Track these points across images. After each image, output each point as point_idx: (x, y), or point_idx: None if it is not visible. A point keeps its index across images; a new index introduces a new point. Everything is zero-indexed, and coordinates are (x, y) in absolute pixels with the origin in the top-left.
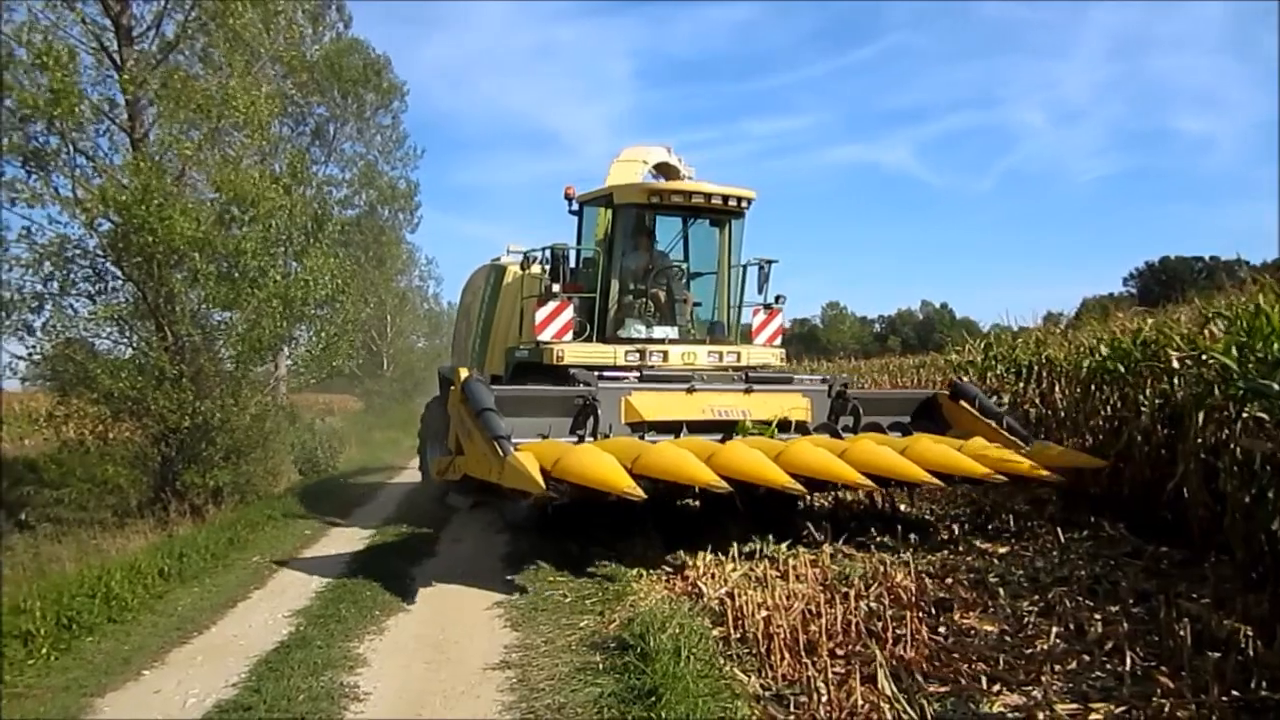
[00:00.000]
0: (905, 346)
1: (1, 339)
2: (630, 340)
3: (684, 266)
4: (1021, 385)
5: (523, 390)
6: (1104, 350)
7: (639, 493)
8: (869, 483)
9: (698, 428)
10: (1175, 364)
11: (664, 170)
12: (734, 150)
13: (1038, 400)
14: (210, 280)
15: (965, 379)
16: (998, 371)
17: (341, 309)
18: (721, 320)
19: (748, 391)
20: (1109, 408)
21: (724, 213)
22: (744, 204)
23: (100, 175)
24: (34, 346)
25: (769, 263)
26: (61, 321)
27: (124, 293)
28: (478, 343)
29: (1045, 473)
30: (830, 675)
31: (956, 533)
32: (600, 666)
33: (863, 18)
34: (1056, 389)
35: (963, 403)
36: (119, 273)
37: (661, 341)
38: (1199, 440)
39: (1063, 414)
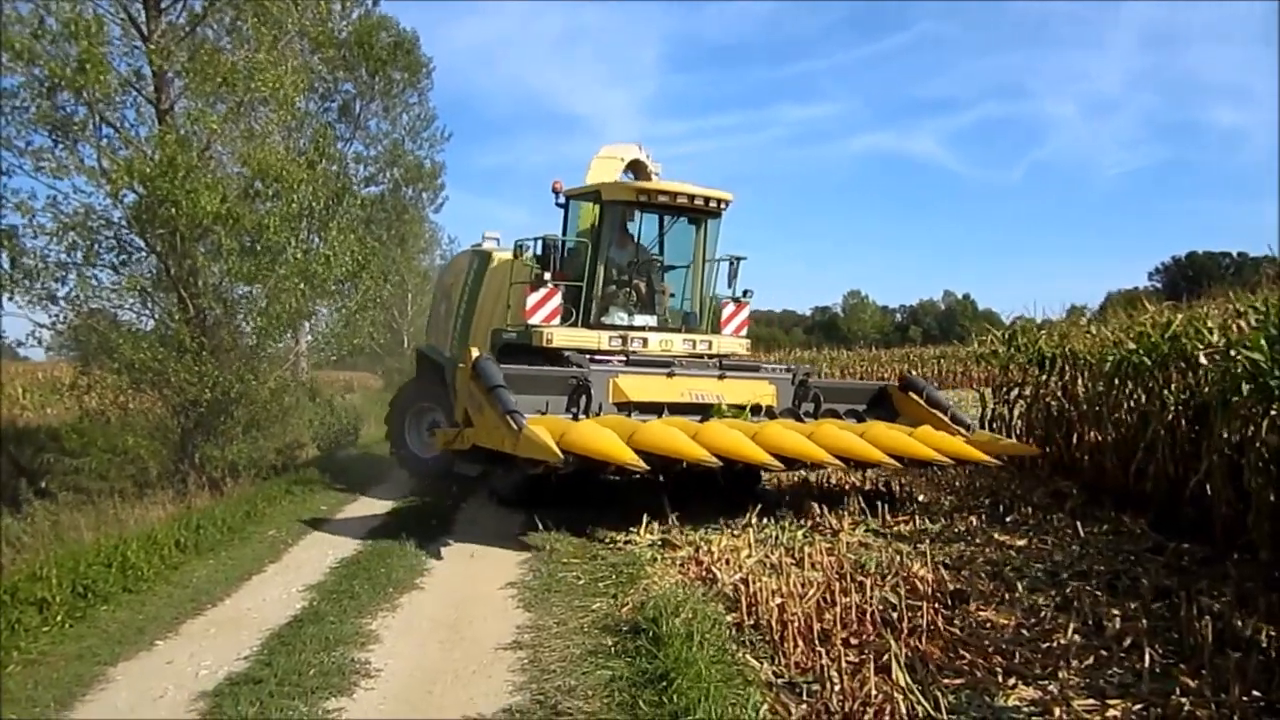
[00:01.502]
0: (927, 337)
1: (26, 307)
2: (613, 327)
3: (661, 260)
4: (1044, 377)
5: (526, 370)
6: (1130, 344)
7: (642, 465)
8: (836, 461)
9: (677, 409)
10: (1203, 359)
11: (635, 167)
12: (761, 137)
13: (1059, 393)
14: (233, 254)
15: (981, 369)
16: (1020, 362)
17: (362, 286)
18: (694, 311)
19: (721, 378)
20: (1132, 401)
21: (703, 212)
22: (722, 205)
23: (126, 147)
24: (57, 316)
25: (738, 259)
26: (85, 291)
27: (147, 264)
28: (459, 324)
29: (985, 457)
30: (844, 665)
31: (974, 524)
32: (612, 650)
33: (893, 5)
34: (1079, 381)
35: (911, 394)
36: (142, 244)
37: (642, 329)
38: (1224, 436)
39: (1084, 407)
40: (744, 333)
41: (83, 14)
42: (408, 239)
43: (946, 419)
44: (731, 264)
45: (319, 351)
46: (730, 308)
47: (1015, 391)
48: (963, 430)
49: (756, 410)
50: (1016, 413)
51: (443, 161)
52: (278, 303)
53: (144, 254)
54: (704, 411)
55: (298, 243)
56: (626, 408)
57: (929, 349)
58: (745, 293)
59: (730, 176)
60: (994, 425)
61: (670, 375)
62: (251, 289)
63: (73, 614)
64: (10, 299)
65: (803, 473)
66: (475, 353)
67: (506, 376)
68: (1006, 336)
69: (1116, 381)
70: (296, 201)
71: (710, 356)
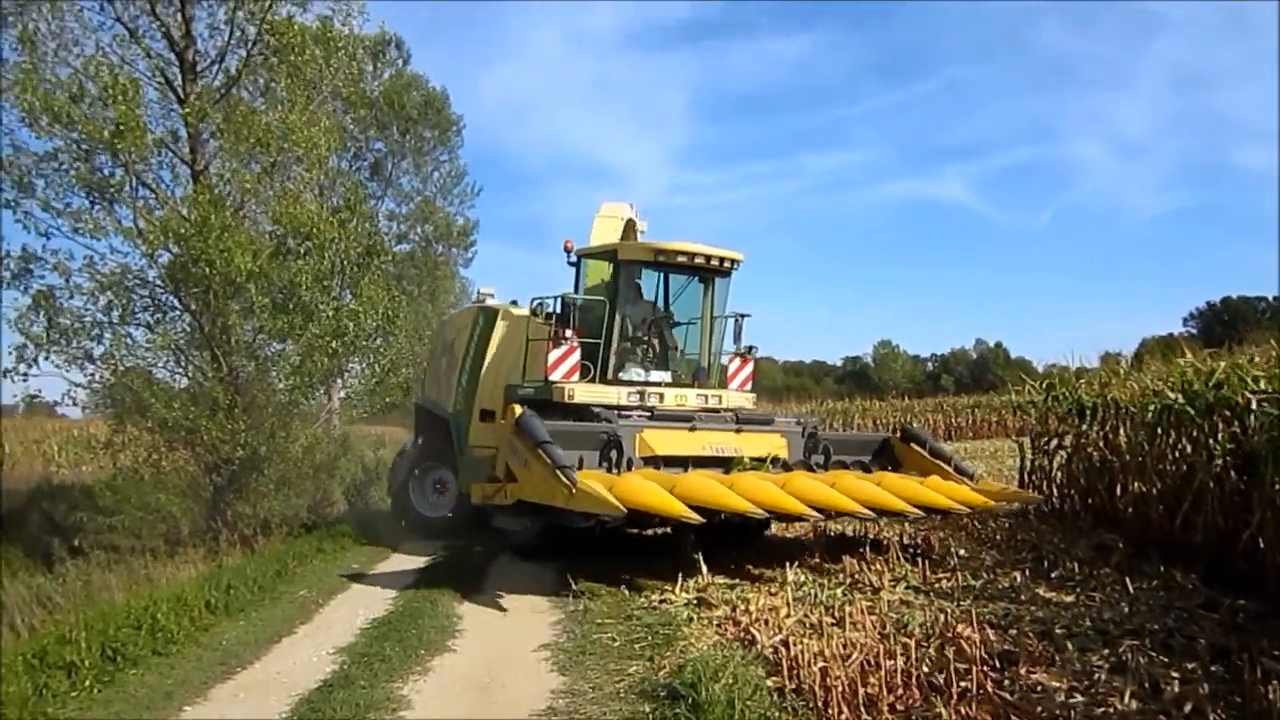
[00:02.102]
0: (959, 386)
1: (62, 366)
2: (630, 382)
3: (671, 316)
4: (1084, 427)
5: (561, 425)
6: (1171, 393)
7: (695, 517)
8: (865, 511)
9: (700, 462)
10: (1253, 405)
11: (627, 225)
12: (789, 184)
13: (1101, 443)
14: (265, 312)
15: (1020, 417)
16: (1059, 412)
17: (395, 342)
18: (703, 365)
19: (738, 431)
20: (1177, 451)
21: (715, 271)
22: (733, 265)
23: (162, 207)
24: (92, 374)
25: (743, 316)
26: (120, 350)
27: (181, 323)
28: (464, 378)
29: (994, 503)
30: None
31: (1018, 580)
32: (650, 717)
33: (919, 52)
34: (1121, 431)
35: (913, 445)
36: (177, 303)
37: (658, 384)
38: (1275, 486)
39: (1127, 457)
40: (749, 387)
41: (120, 79)
42: (439, 294)
43: (950, 469)
44: (736, 321)
45: (351, 408)
46: (736, 363)
47: (1055, 442)
48: (968, 480)
49: (775, 462)
50: (1056, 463)
51: (475, 220)
52: (310, 360)
53: (178, 312)
54: (725, 464)
55: (329, 300)
56: (653, 461)
57: (963, 398)
58: (750, 348)
59: (759, 225)
60: (1033, 477)
61: (692, 429)
62: (284, 346)
63: (101, 678)
64: (47, 358)
65: (823, 524)
66: (519, 409)
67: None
68: (1045, 386)
69: (1160, 431)
70: (328, 258)
71: (720, 410)
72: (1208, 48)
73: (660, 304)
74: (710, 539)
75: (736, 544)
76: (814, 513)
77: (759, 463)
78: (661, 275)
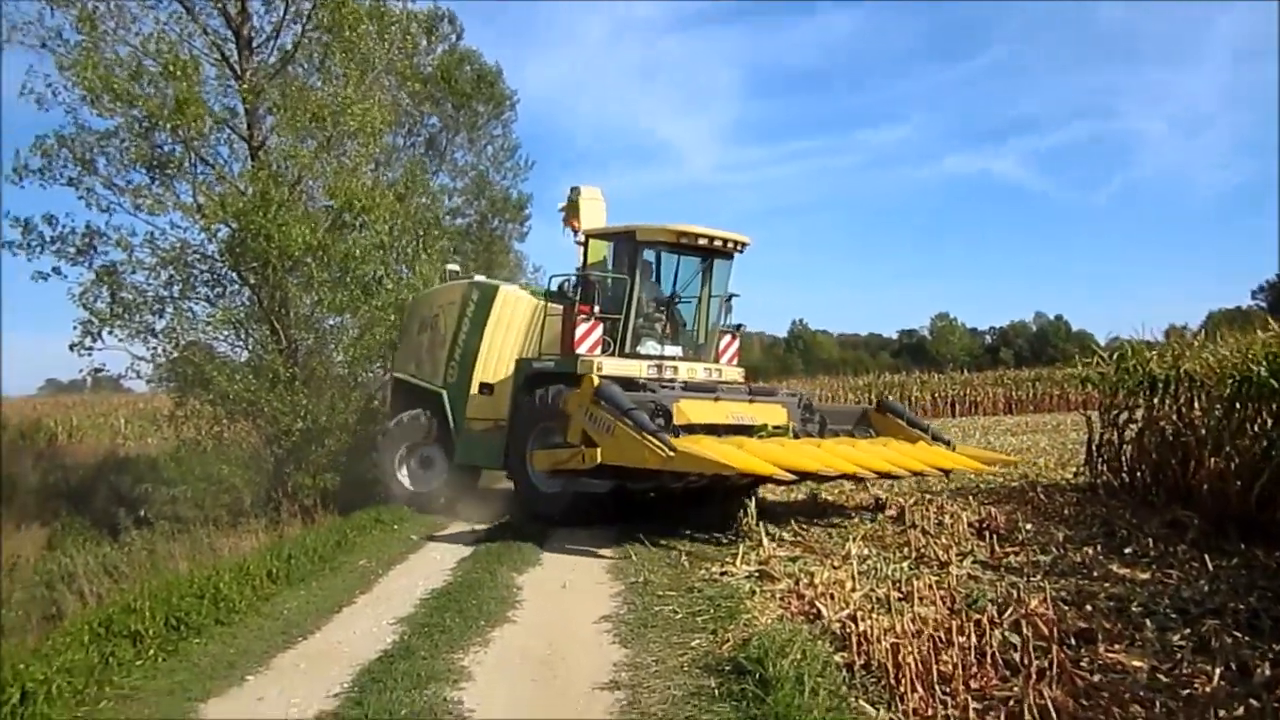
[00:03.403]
0: (1018, 359)
1: (125, 340)
2: (648, 357)
3: (679, 295)
4: (1156, 400)
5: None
6: (1252, 366)
7: (789, 476)
8: (902, 470)
9: (725, 430)
10: None
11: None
12: (842, 160)
13: (1174, 417)
14: (325, 286)
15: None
16: (1130, 386)
17: None
18: (703, 342)
19: (751, 401)
20: (1255, 426)
21: (722, 253)
22: (740, 247)
23: (220, 183)
24: (155, 348)
25: (732, 296)
26: (181, 324)
27: (241, 297)
28: (457, 353)
29: (980, 465)
30: (970, 714)
31: (1090, 555)
32: (716, 692)
33: (977, 26)
34: (1196, 405)
35: (889, 415)
36: (236, 278)
37: (673, 359)
38: None
39: (1203, 431)
40: (736, 362)
41: (180, 55)
42: (494, 268)
43: (927, 437)
44: (723, 301)
45: None
46: (726, 339)
47: (1124, 416)
48: (945, 446)
49: (784, 431)
50: (1126, 438)
51: (530, 194)
52: (370, 334)
53: (237, 287)
54: (747, 431)
55: (389, 274)
56: (690, 429)
57: (1023, 371)
58: (739, 326)
59: (809, 201)
60: (1102, 451)
61: (716, 400)
62: (343, 319)
63: (165, 647)
64: (110, 333)
65: (880, 493)
66: (596, 380)
67: None
68: (1115, 358)
69: (1238, 405)
70: (384, 232)
71: (719, 383)
72: (1272, 19)
73: (669, 283)
74: (697, 502)
75: (722, 507)
76: (869, 473)
77: (780, 430)
78: (677, 257)
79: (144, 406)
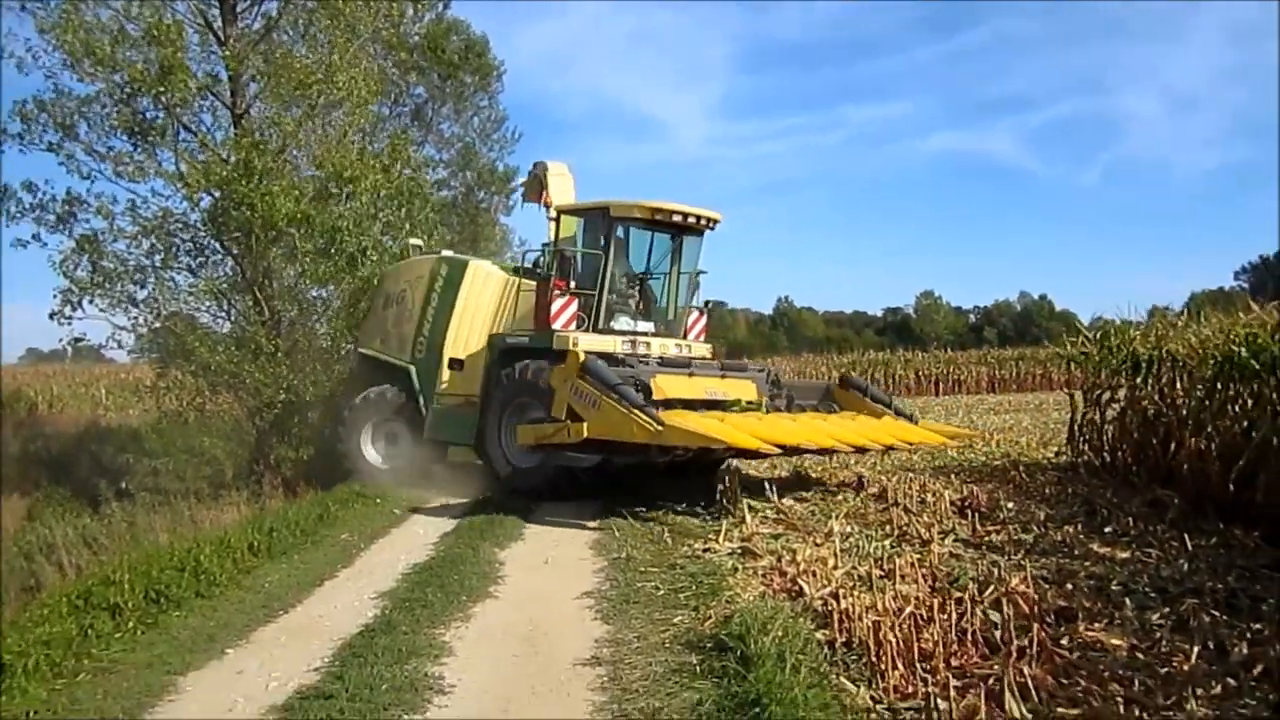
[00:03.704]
0: (1002, 339)
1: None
2: (621, 332)
3: (650, 272)
4: (1139, 380)
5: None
6: (1234, 346)
7: (776, 450)
8: (876, 445)
9: (700, 405)
10: None
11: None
12: (832, 136)
13: (1156, 397)
14: (308, 256)
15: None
16: (1112, 365)
17: None
18: (672, 319)
19: (723, 377)
20: (1236, 407)
21: (694, 230)
22: (711, 224)
23: (203, 150)
24: (137, 318)
25: (700, 273)
26: (163, 294)
27: (223, 268)
28: (426, 329)
29: (943, 440)
30: (950, 691)
31: (1071, 534)
32: (697, 669)
33: (967, 2)
34: (1178, 385)
35: (852, 390)
36: (219, 247)
37: (645, 334)
38: None
39: (1184, 412)
40: (703, 338)
41: (164, 20)
42: (480, 241)
43: (891, 412)
44: (692, 277)
45: None
46: (694, 315)
47: (1107, 395)
48: (909, 421)
49: (757, 406)
50: (1108, 417)
51: (516, 166)
52: (354, 305)
53: (220, 257)
54: (720, 406)
55: (374, 246)
56: (667, 404)
57: (1007, 351)
58: (707, 303)
59: (799, 177)
60: (1084, 430)
61: (691, 375)
62: (326, 291)
63: (145, 620)
64: (91, 302)
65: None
66: (583, 355)
67: None
68: (1098, 338)
69: (1219, 385)
70: (369, 203)
71: (688, 359)
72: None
73: (641, 260)
74: (673, 475)
75: (699, 479)
76: (846, 447)
77: (753, 405)
78: (650, 233)
79: (125, 377)
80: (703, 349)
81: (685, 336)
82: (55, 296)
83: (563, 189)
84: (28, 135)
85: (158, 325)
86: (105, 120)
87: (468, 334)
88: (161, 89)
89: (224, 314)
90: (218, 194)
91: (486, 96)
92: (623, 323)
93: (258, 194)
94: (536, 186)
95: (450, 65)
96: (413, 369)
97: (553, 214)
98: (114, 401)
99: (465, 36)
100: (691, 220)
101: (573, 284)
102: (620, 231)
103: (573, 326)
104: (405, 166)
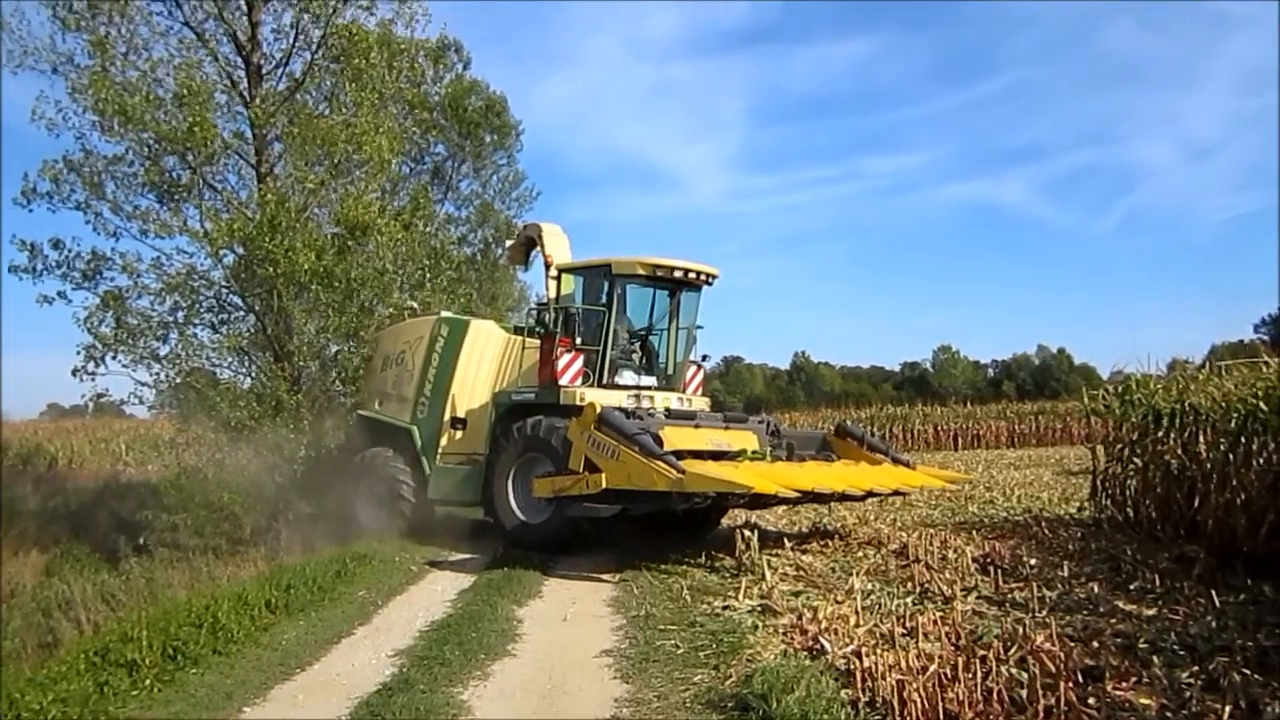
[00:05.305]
0: (1021, 392)
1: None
2: (625, 386)
3: (651, 326)
4: (1161, 434)
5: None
6: (1255, 400)
7: (794, 494)
8: (884, 490)
9: (706, 455)
10: None
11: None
12: (849, 188)
13: (1179, 450)
14: (330, 310)
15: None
16: (1134, 419)
17: None
18: (673, 372)
19: (726, 428)
20: (1261, 460)
21: (692, 285)
22: (710, 279)
23: (228, 208)
24: (158, 374)
25: (697, 328)
26: (186, 350)
27: (245, 324)
28: (428, 389)
29: (942, 483)
30: None
31: (1096, 591)
32: None
33: (981, 53)
34: (1201, 439)
35: (849, 440)
36: (241, 303)
37: (649, 388)
38: None
39: (1209, 466)
40: (700, 391)
41: (193, 82)
42: (498, 297)
43: (888, 459)
44: (690, 332)
45: None
46: (691, 369)
47: (1129, 450)
48: (907, 467)
49: (761, 456)
50: (1131, 471)
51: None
52: (369, 361)
53: (242, 314)
54: (725, 456)
55: (389, 301)
56: (676, 455)
57: (1026, 404)
58: (704, 357)
59: (816, 229)
60: (1107, 485)
61: (696, 426)
62: (346, 347)
63: (162, 677)
64: (114, 358)
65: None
66: (599, 406)
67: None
68: (1119, 391)
69: (1243, 439)
70: (388, 258)
71: (690, 412)
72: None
73: (642, 315)
74: (661, 523)
75: (682, 528)
76: (857, 490)
77: (758, 455)
78: (652, 289)
79: (145, 432)
80: (702, 402)
81: (684, 390)
82: (79, 352)
83: (560, 248)
84: (57, 194)
85: (179, 381)
86: (132, 179)
87: (470, 393)
88: (188, 144)
89: (245, 370)
90: (241, 250)
91: (505, 154)
92: (627, 377)
93: (280, 249)
94: (523, 248)
95: (470, 124)
96: (414, 429)
97: (553, 273)
98: (134, 456)
99: (485, 96)
100: (691, 276)
101: (578, 340)
102: (621, 288)
103: (578, 382)
104: (427, 224)
